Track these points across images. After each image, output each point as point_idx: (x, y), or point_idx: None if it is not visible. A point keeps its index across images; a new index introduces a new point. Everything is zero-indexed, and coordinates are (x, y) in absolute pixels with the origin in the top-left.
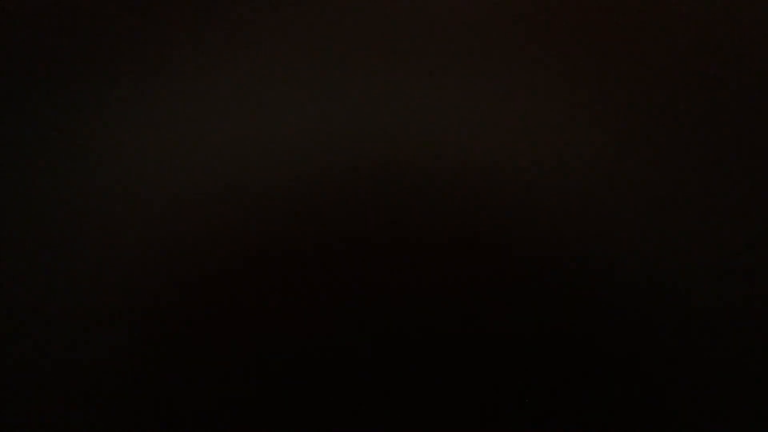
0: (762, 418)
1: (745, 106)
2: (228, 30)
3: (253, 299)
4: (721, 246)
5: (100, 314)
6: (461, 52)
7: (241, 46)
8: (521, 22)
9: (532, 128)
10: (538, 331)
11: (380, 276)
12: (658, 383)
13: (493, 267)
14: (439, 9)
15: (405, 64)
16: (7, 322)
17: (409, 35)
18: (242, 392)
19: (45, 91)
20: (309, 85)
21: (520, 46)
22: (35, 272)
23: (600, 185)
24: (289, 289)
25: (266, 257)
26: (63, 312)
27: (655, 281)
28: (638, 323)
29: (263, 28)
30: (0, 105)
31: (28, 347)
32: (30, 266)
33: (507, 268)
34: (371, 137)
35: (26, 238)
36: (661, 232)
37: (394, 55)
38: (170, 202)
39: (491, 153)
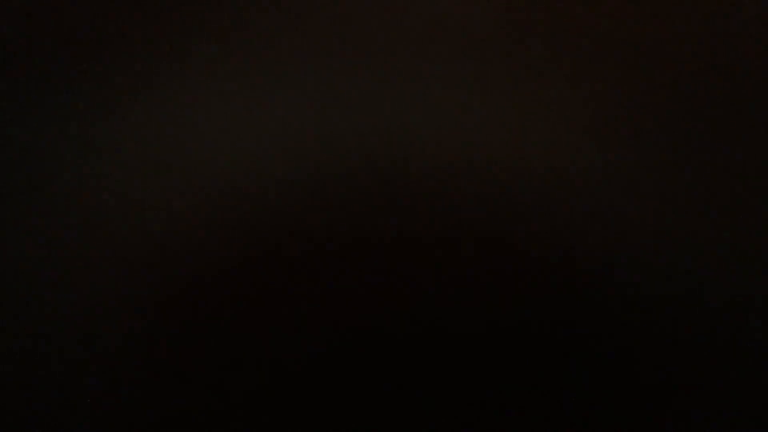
0: (762, 417)
1: (746, 105)
2: (228, 29)
3: (252, 299)
4: (722, 245)
5: (100, 314)
6: (462, 52)
7: (241, 45)
8: (522, 22)
9: (534, 128)
10: (538, 330)
11: (380, 275)
12: (658, 383)
13: (494, 267)
14: (440, 9)
15: (405, 64)
16: (7, 321)
17: (410, 35)
18: (242, 393)
19: (44, 91)
20: (310, 85)
21: (521, 46)
22: (35, 272)
23: (601, 184)
24: (289, 288)
25: (266, 257)
26: (62, 312)
27: (656, 281)
28: (639, 323)
29: (263, 28)
30: (0, 105)
31: (28, 347)
32: (30, 266)
33: (507, 268)
34: (371, 137)
35: (27, 238)
36: (662, 231)
37: (395, 55)
38: (169, 202)
39: (492, 152)
